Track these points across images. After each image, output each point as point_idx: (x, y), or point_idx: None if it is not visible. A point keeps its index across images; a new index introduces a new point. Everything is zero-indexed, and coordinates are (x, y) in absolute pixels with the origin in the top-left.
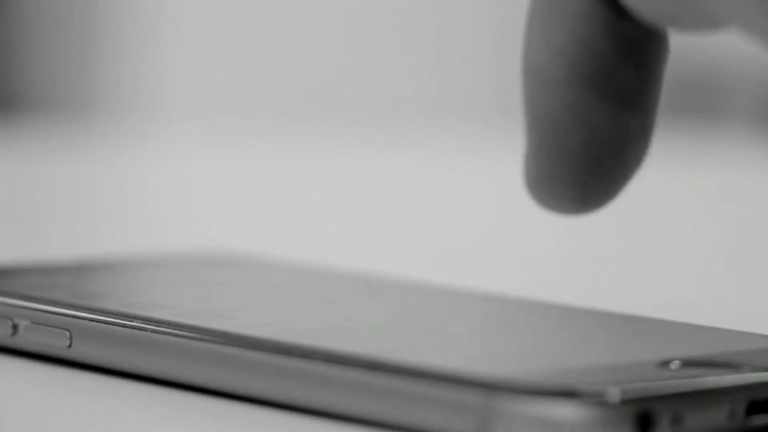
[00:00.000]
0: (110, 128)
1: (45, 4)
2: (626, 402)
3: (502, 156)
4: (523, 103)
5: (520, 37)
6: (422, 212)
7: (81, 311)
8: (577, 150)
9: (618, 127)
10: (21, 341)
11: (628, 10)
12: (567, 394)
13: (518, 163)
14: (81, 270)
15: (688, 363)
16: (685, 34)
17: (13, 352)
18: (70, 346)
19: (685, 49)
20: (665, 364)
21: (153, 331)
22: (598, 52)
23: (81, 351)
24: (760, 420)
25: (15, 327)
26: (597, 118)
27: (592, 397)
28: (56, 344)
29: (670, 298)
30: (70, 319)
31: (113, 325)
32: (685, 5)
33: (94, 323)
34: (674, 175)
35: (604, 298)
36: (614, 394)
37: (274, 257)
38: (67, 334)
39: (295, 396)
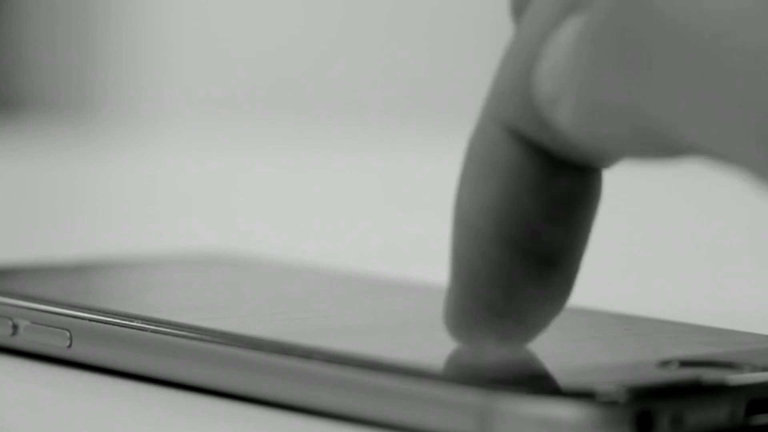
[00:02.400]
0: (110, 128)
1: (45, 4)
2: (626, 402)
3: None
4: (450, 245)
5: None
6: (422, 212)
7: (81, 311)
8: (496, 304)
9: (539, 284)
10: (21, 341)
11: (567, 148)
12: (567, 394)
13: None
14: (81, 270)
15: (688, 363)
16: (638, 162)
17: (13, 352)
18: (70, 346)
19: None
20: (665, 364)
21: (153, 331)
22: (525, 211)
23: (81, 351)
24: (760, 420)
25: (15, 327)
26: (518, 275)
27: (592, 397)
28: (56, 344)
29: (670, 299)
30: (70, 319)
31: (113, 325)
32: (640, 133)
33: (94, 323)
34: (674, 175)
35: (604, 298)
36: (614, 394)
37: (272, 257)
38: (67, 334)
39: (295, 396)
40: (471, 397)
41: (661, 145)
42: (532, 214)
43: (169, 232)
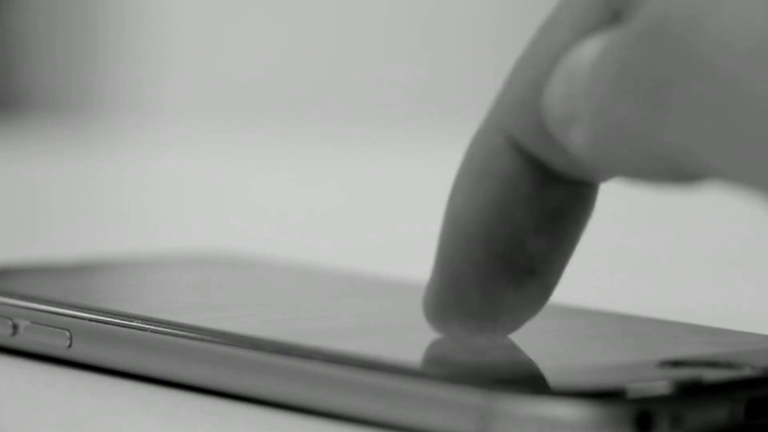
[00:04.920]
0: (110, 128)
1: (45, 4)
2: (626, 402)
3: None
4: (438, 237)
5: (520, 37)
6: (421, 212)
7: (81, 311)
8: (472, 303)
9: (517, 290)
10: (21, 341)
11: (569, 167)
12: (567, 394)
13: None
14: (81, 270)
15: (688, 363)
16: (645, 185)
17: (13, 352)
18: (70, 346)
19: None
20: (665, 364)
21: (153, 331)
22: (515, 220)
23: (81, 351)
24: (760, 420)
25: (15, 327)
26: (498, 282)
27: (592, 397)
28: (56, 344)
29: (670, 298)
30: (70, 319)
31: (113, 325)
32: (656, 160)
33: (94, 323)
34: None
35: (604, 298)
36: (614, 394)
37: (272, 257)
38: (67, 334)
39: (295, 396)
40: (471, 397)
41: (676, 171)
42: (521, 225)
43: (169, 232)
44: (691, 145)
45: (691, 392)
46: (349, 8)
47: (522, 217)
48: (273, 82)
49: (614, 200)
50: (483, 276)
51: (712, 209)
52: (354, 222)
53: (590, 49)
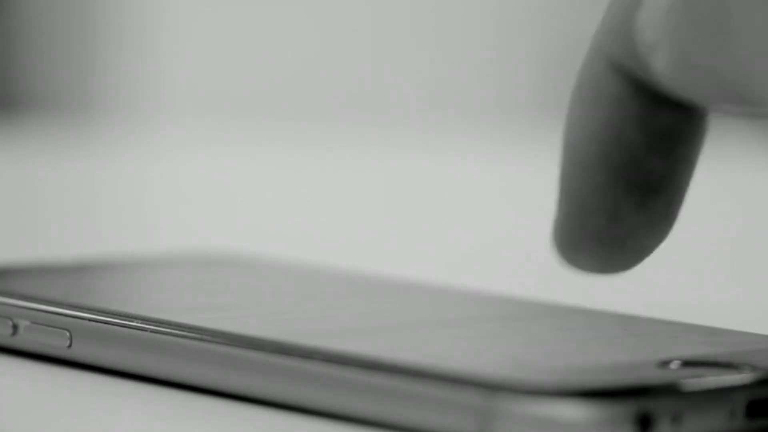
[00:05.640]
0: (110, 128)
1: (45, 4)
2: (626, 402)
3: (506, 157)
4: (558, 174)
5: (522, 37)
6: (420, 212)
7: (81, 311)
8: (601, 228)
9: (642, 211)
10: (21, 341)
11: (667, 93)
12: (567, 394)
13: (515, 164)
14: (81, 270)
15: (688, 363)
16: (730, 112)
17: (13, 352)
18: (70, 346)
19: None
20: (665, 364)
21: (153, 331)
22: (630, 141)
23: (81, 351)
24: (760, 420)
25: (15, 327)
26: (622, 203)
27: (592, 397)
28: (56, 344)
29: (670, 298)
30: (70, 319)
31: (113, 325)
32: (731, 86)
33: (94, 323)
34: None
35: (605, 298)
36: (614, 394)
37: (272, 257)
38: (67, 334)
39: (295, 396)
40: (471, 397)
41: (746, 99)
42: (635, 143)
43: (169, 232)
44: (752, 70)
45: (691, 392)
46: (349, 7)
47: (635, 136)
48: (273, 82)
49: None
50: (607, 199)
51: (713, 209)
52: (354, 222)
53: None
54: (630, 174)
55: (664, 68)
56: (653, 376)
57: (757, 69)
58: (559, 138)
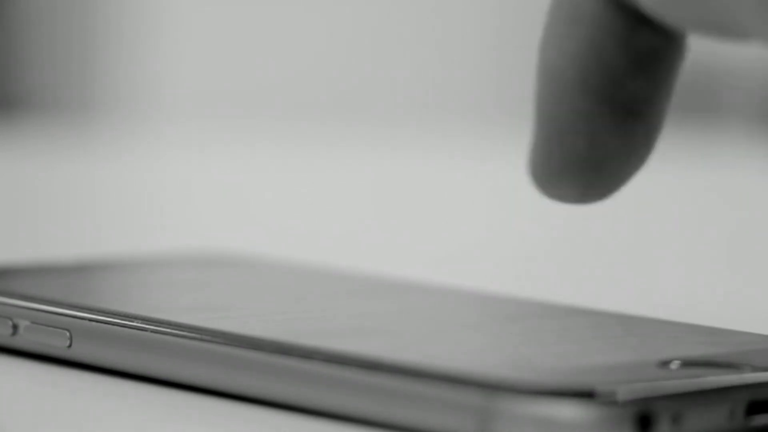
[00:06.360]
0: (110, 128)
1: (45, 4)
2: (626, 402)
3: (500, 156)
4: (534, 98)
5: (521, 37)
6: (420, 212)
7: (81, 311)
8: (580, 152)
9: (623, 134)
10: (21, 341)
11: (648, 14)
12: (567, 394)
13: (515, 164)
14: (81, 270)
15: (688, 363)
16: (708, 39)
17: (13, 352)
18: (70, 346)
19: None
20: (665, 364)
21: (153, 331)
22: (610, 61)
23: (81, 351)
24: (760, 420)
25: (15, 327)
26: (602, 125)
27: (592, 397)
28: (56, 344)
29: (670, 298)
30: (70, 319)
31: (113, 325)
32: (714, 12)
33: (94, 323)
34: (675, 175)
35: (604, 298)
36: (614, 394)
37: (272, 257)
38: (67, 334)
39: (295, 396)
40: (471, 397)
41: (721, 26)
42: (616, 63)
43: (169, 232)
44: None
45: (691, 392)
46: (349, 7)
47: (616, 56)
48: (274, 82)
49: (614, 200)
50: (585, 120)
51: (712, 209)
52: (354, 222)
53: None
54: (611, 95)
55: None
56: (653, 376)
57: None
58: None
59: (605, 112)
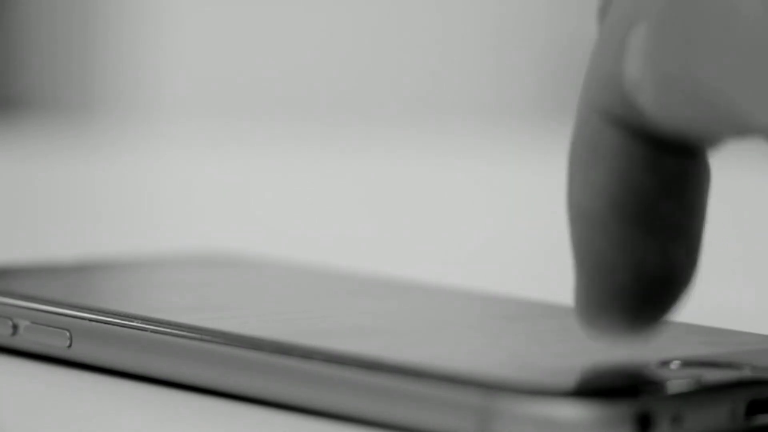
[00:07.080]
0: (110, 128)
1: (45, 4)
2: (626, 402)
3: (501, 156)
4: (570, 240)
5: (522, 37)
6: (421, 212)
7: (81, 311)
8: (625, 285)
9: (664, 259)
10: (21, 341)
11: (659, 126)
12: (567, 394)
13: (516, 164)
14: (81, 270)
15: (688, 363)
16: (723, 142)
17: (13, 352)
18: (70, 346)
19: None
20: (665, 364)
21: (153, 331)
22: (639, 187)
23: (81, 351)
24: (760, 420)
25: (15, 327)
26: (643, 253)
27: (592, 397)
28: (56, 344)
29: None
30: (70, 319)
31: (113, 325)
32: (706, 110)
33: (94, 323)
34: None
35: None
36: (614, 394)
37: (272, 257)
38: (67, 334)
39: (295, 396)
40: (471, 397)
41: (724, 120)
42: (647, 188)
43: (169, 232)
44: (723, 85)
45: (691, 392)
46: (349, 7)
47: (644, 182)
48: (274, 82)
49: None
50: (626, 252)
51: (712, 209)
52: (354, 222)
53: (644, 23)
54: (646, 221)
55: (649, 101)
56: (653, 376)
57: (726, 78)
58: (564, 145)
59: (643, 239)
